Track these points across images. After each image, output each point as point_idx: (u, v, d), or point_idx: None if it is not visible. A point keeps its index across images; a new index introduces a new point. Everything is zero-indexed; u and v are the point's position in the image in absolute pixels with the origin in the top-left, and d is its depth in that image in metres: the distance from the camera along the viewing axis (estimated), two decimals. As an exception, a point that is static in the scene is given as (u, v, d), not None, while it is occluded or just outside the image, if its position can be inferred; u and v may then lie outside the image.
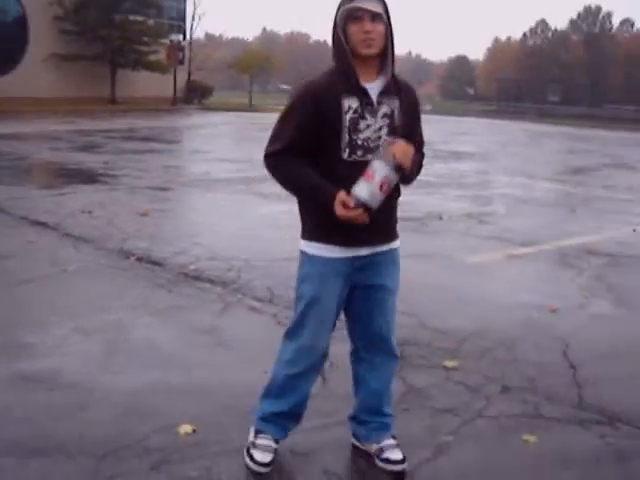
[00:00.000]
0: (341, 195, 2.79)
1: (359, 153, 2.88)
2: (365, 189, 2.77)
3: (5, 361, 4.46)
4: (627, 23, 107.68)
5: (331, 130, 2.84)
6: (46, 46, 39.74)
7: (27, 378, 4.24)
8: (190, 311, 5.62)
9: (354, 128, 2.86)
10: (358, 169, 2.80)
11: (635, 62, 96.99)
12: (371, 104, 2.88)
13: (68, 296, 5.89)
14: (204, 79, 58.11)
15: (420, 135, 3.12)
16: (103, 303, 5.69)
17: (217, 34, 68.31)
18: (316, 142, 2.87)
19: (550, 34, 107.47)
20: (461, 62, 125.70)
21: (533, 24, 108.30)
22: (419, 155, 3.05)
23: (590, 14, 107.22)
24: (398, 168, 2.78)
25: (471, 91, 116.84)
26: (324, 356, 3.31)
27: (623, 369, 4.85)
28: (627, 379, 4.68)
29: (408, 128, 2.96)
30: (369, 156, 2.85)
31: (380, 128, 2.90)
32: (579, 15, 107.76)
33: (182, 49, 50.36)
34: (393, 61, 2.90)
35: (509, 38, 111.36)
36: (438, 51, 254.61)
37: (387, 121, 2.91)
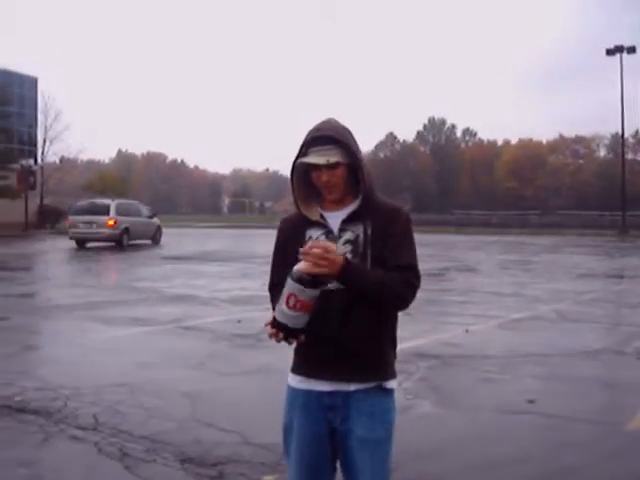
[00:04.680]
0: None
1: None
2: (277, 306, 2.63)
3: None
4: (468, 133, 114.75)
5: (296, 260, 2.74)
6: None
7: None
8: (8, 445, 5.45)
9: None
10: (324, 298, 2.69)
11: (479, 169, 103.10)
12: (331, 232, 2.85)
13: None
14: (60, 203, 57.34)
15: (399, 257, 2.80)
16: None
17: (72, 157, 67.33)
18: None
19: (399, 146, 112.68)
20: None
21: (382, 137, 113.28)
22: (389, 275, 2.75)
23: (435, 126, 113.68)
24: (302, 279, 2.55)
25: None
26: None
27: (436, 468, 5.05)
28: (440, 478, 4.87)
29: (381, 253, 2.81)
30: (330, 285, 2.74)
31: (343, 255, 2.75)
32: (425, 127, 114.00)
33: (33, 174, 49.70)
34: (365, 188, 2.81)
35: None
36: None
37: (350, 247, 2.81)
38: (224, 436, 5.57)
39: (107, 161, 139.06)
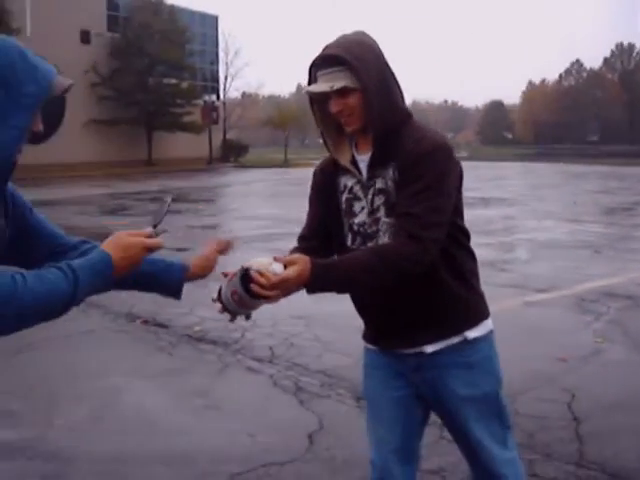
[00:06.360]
0: None
1: (358, 240, 2.35)
2: (224, 288, 2.16)
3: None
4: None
5: (334, 213, 2.41)
6: (83, 112, 40.67)
7: (8, 445, 4.19)
8: (187, 374, 5.55)
9: (349, 211, 2.37)
10: None
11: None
12: (362, 181, 2.34)
13: (67, 361, 5.86)
14: (242, 137, 58.95)
15: (400, 202, 2.23)
16: (100, 368, 5.66)
17: (253, 92, 68.77)
18: (328, 228, 2.44)
19: (585, 74, 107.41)
20: (497, 107, 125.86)
21: (567, 65, 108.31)
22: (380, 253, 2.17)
23: (623, 52, 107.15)
24: (248, 289, 2.05)
25: (509, 135, 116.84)
26: None
27: (630, 421, 4.62)
28: (633, 432, 4.44)
29: None
30: (369, 244, 2.31)
31: (377, 209, 2.30)
32: (612, 53, 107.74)
33: (216, 109, 51.20)
34: (374, 120, 2.23)
35: (544, 80, 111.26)
36: (473, 97, 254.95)
37: (383, 198, 2.28)
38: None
39: (287, 96, 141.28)
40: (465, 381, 2.37)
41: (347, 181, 2.38)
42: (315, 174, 2.53)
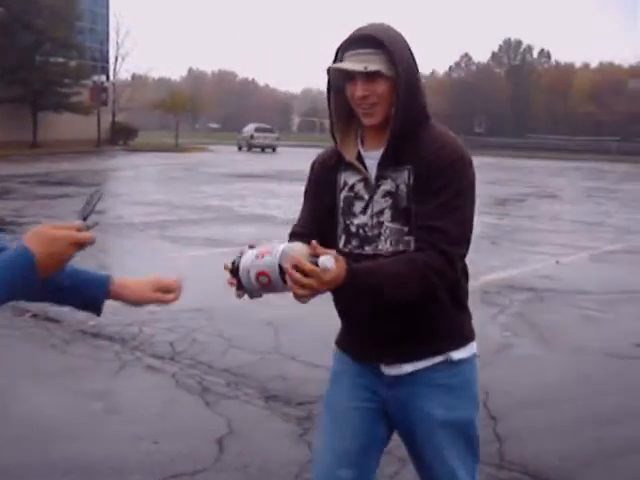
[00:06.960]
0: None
1: (354, 243, 2.16)
2: (247, 263, 1.95)
3: None
4: (544, 55, 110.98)
5: (329, 212, 2.21)
6: (-37, 90, 38.73)
7: None
8: (83, 373, 5.18)
9: (348, 210, 2.17)
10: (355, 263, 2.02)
11: (556, 92, 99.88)
12: (367, 180, 2.15)
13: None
14: (131, 120, 57.52)
15: (427, 214, 2.03)
16: (-14, 368, 5.21)
17: (143, 74, 67.08)
18: (323, 226, 2.22)
19: (474, 67, 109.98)
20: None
21: (457, 58, 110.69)
22: (412, 263, 2.00)
23: (510, 47, 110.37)
24: (284, 275, 1.85)
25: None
26: None
27: (545, 418, 4.58)
28: (549, 430, 4.38)
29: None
30: (367, 248, 2.13)
31: (381, 212, 2.11)
32: (500, 48, 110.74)
33: (105, 90, 49.75)
34: (407, 119, 2.07)
35: (433, 72, 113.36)
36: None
37: (390, 201, 2.10)
38: (310, 372, 5.16)
39: (178, 79, 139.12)
40: (442, 403, 2.17)
41: (348, 178, 2.19)
42: (313, 167, 2.33)
